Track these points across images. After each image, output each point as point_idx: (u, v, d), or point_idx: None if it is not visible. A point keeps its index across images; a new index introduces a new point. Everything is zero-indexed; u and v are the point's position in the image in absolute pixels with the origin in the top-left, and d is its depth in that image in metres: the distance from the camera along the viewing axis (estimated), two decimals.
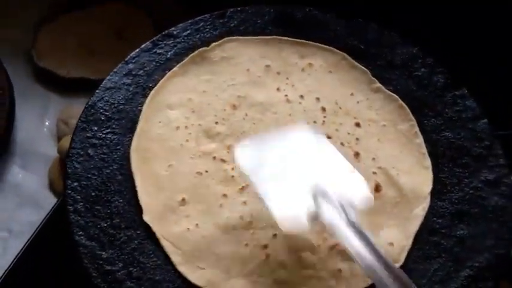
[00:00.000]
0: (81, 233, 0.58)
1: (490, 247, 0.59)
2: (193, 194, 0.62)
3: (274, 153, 0.57)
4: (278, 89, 0.72)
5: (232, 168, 0.64)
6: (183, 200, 0.61)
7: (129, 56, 0.73)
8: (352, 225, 0.50)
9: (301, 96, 0.71)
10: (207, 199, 0.62)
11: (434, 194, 0.63)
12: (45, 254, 0.75)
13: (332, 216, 0.51)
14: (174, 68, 0.73)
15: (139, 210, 0.60)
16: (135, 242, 0.59)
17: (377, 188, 0.63)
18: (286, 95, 0.71)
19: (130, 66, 0.73)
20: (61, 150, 0.84)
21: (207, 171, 0.64)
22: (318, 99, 0.72)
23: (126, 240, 0.59)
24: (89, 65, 0.97)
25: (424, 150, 0.68)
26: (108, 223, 0.59)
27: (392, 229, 0.61)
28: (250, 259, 0.57)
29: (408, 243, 0.59)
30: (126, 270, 0.56)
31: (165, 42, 0.75)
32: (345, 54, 0.75)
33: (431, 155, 0.66)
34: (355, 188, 0.53)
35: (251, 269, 0.57)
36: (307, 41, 0.76)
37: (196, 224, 0.60)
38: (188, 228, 0.59)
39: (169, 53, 0.74)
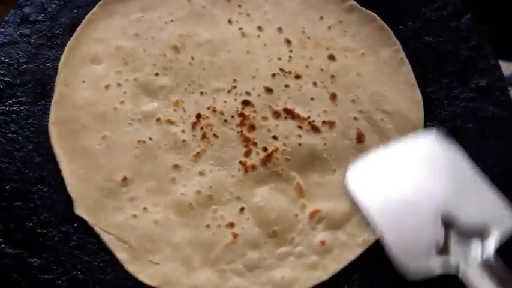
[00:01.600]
0: (1, 240, 0.46)
1: (489, 166, 0.46)
2: (137, 169, 0.50)
3: (393, 175, 0.43)
4: (229, 21, 0.58)
5: (183, 131, 0.52)
6: (125, 178, 0.50)
7: None
8: (487, 264, 0.38)
9: (259, 28, 0.58)
10: (154, 174, 0.50)
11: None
12: None
13: (462, 251, 0.39)
14: (94, 9, 0.57)
15: (71, 197, 0.48)
16: (74, 237, 0.47)
17: (359, 138, 0.53)
18: (240, 28, 0.58)
19: (26, 10, 0.56)
20: None
21: (151, 139, 0.52)
22: (280, 29, 0.58)
23: (62, 238, 0.47)
24: None
25: (413, 80, 0.56)
26: (35, 221, 0.48)
27: None
28: (215, 243, 0.47)
29: None
30: (68, 275, 0.46)
31: None
32: None
33: (413, 66, 0.56)
34: (495, 213, 0.41)
35: (216, 256, 0.47)
36: None
37: (144, 208, 0.49)
38: (134, 215, 0.48)
39: None
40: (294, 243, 0.48)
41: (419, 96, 0.55)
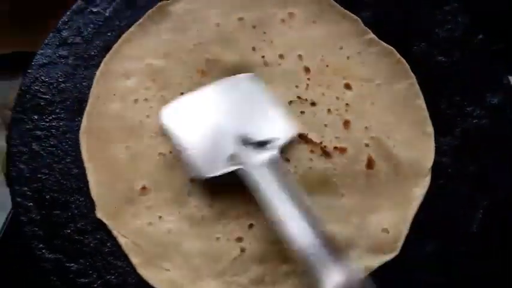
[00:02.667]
0: (42, 245, 0.50)
1: (504, 183, 0.52)
2: (156, 180, 0.54)
3: (203, 108, 0.55)
4: (254, 49, 0.61)
5: None
6: (144, 188, 0.53)
7: (60, 22, 0.61)
8: (271, 162, 0.49)
9: (281, 56, 0.61)
10: (172, 185, 0.53)
11: (435, 129, 0.56)
12: (5, 274, 0.64)
13: (248, 156, 0.50)
14: (131, 28, 0.61)
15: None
16: (108, 244, 0.51)
17: (370, 164, 0.54)
18: (263, 56, 0.60)
19: (64, 33, 0.61)
20: None
21: (171, 152, 0.55)
22: (300, 56, 0.61)
23: (97, 245, 0.50)
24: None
25: (426, 113, 0.58)
26: (72, 228, 0.51)
27: (386, 212, 0.52)
28: (223, 255, 0.50)
29: (405, 228, 0.51)
30: (103, 279, 0.49)
31: None
32: (331, 1, 0.63)
33: (426, 85, 0.58)
34: (278, 125, 0.54)
35: (223, 267, 0.50)
36: None
37: (160, 217, 0.52)
38: (150, 222, 0.51)
39: (107, 11, 0.62)
40: (299, 262, 0.50)
41: (431, 129, 0.57)
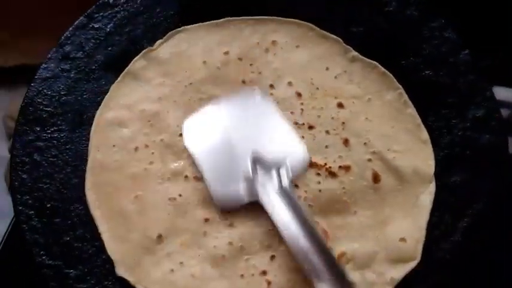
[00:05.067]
0: (42, 252, 0.51)
1: (487, 190, 0.54)
2: (171, 226, 0.53)
3: (219, 124, 0.57)
4: (244, 82, 0.62)
5: None
6: (160, 236, 0.53)
7: (62, 37, 0.63)
8: (283, 191, 0.50)
9: (272, 86, 0.62)
10: (187, 229, 0.53)
11: None
12: (7, 280, 0.66)
13: (263, 182, 0.51)
14: (119, 78, 0.62)
15: None
16: (106, 251, 0.52)
17: (375, 178, 0.56)
18: (254, 89, 0.62)
19: (67, 48, 0.63)
20: None
21: (181, 195, 0.55)
22: (290, 83, 0.62)
23: (95, 252, 0.51)
24: (29, 49, 0.83)
25: (419, 120, 0.60)
26: (72, 236, 0.52)
27: (400, 222, 0.54)
28: None
29: (422, 235, 0.53)
30: (100, 285, 0.50)
31: (101, 13, 0.65)
32: (311, 25, 0.65)
33: (414, 98, 0.60)
34: (292, 152, 0.55)
35: None
36: (265, 17, 0.66)
37: (181, 262, 0.52)
38: (172, 269, 0.51)
39: (108, 26, 0.64)
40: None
41: (426, 135, 0.59)
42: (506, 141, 0.57)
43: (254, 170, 0.53)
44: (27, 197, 0.54)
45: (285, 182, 0.52)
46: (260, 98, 0.59)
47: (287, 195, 0.50)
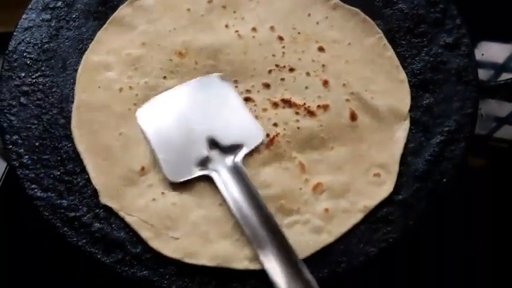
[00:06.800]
0: (33, 186, 0.53)
1: (458, 109, 0.57)
2: (153, 160, 0.55)
3: (175, 109, 0.57)
4: (227, 26, 0.64)
5: None
6: (143, 168, 0.55)
7: None
8: (234, 167, 0.52)
9: (254, 29, 0.63)
10: None
11: None
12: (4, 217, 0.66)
13: (216, 158, 0.53)
14: (104, 25, 0.63)
15: None
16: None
17: (352, 117, 0.57)
18: (236, 31, 0.63)
19: None
20: None
21: None
22: (272, 28, 0.64)
23: (85, 184, 0.54)
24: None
25: (397, 62, 0.61)
26: (62, 170, 0.54)
27: (376, 156, 0.55)
28: (228, 219, 0.52)
29: (395, 169, 0.54)
30: (92, 212, 0.52)
31: None
32: None
33: (387, 31, 0.63)
34: (246, 130, 0.56)
35: (230, 229, 0.51)
36: None
37: (162, 193, 0.53)
38: (154, 199, 0.53)
39: None
40: (300, 212, 0.52)
41: (404, 76, 0.60)
42: (475, 64, 0.60)
43: (208, 149, 0.54)
44: (16, 136, 0.56)
45: (238, 159, 0.53)
46: (218, 81, 0.59)
47: (238, 171, 0.52)
